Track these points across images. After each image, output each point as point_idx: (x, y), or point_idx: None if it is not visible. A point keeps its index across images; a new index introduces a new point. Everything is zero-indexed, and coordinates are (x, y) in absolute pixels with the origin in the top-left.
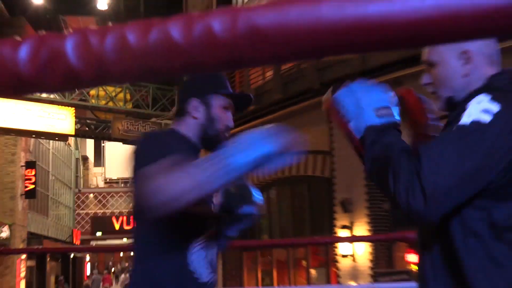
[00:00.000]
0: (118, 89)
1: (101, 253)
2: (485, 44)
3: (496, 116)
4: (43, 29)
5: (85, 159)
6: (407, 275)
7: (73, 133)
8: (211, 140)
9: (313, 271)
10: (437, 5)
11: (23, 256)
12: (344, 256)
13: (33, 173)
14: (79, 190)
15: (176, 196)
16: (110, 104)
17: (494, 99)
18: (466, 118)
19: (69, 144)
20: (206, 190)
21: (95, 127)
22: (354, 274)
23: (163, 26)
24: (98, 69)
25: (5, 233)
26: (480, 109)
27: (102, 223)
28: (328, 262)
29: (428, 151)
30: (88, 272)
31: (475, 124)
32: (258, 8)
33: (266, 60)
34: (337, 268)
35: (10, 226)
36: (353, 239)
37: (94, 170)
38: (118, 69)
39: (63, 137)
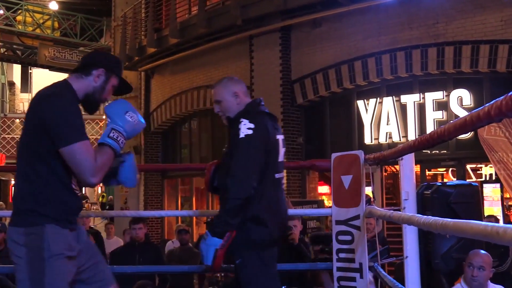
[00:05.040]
0: (46, 16)
1: None
2: (242, 85)
3: (254, 129)
4: None
5: (11, 84)
6: (317, 204)
7: None
8: (92, 102)
9: None
10: None
11: None
12: None
13: None
14: (5, 115)
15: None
16: (38, 31)
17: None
18: (241, 134)
19: None
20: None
21: (21, 52)
22: None
23: None
24: None
25: None
26: (246, 128)
27: None
28: None
29: (233, 161)
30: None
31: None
32: None
33: None
34: None
35: None
36: None
37: (21, 96)
38: None
39: None
